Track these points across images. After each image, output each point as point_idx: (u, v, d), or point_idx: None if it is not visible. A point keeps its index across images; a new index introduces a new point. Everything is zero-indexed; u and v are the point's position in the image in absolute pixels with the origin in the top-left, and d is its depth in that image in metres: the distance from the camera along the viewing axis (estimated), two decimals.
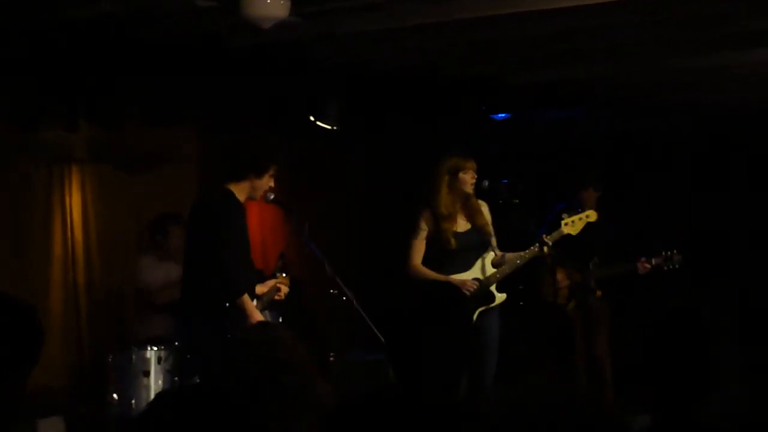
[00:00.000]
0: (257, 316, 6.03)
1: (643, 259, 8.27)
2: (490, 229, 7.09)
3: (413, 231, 7.02)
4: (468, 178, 6.95)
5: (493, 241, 7.09)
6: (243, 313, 5.97)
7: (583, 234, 7.23)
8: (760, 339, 8.46)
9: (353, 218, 9.80)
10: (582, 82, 9.08)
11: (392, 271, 7.13)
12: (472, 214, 7.03)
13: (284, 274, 6.33)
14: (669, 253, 8.31)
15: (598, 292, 8.35)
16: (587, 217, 7.17)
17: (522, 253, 6.99)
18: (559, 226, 7.22)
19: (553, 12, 6.39)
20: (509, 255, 7.03)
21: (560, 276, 8.18)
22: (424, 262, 7.00)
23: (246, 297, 6.02)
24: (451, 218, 6.96)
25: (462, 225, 7.01)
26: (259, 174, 6.15)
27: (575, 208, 8.04)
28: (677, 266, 8.31)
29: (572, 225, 7.15)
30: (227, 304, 5.95)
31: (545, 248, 6.91)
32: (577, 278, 8.34)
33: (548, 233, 7.13)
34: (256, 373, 3.31)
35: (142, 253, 7.88)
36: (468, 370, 6.76)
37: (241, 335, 3.92)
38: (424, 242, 7.00)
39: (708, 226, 10.26)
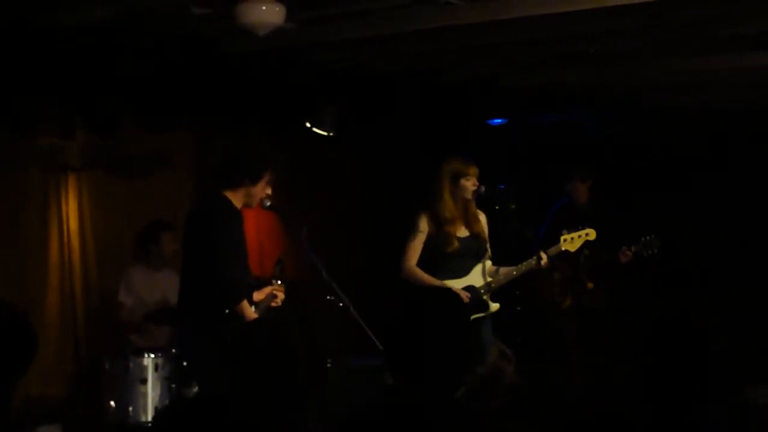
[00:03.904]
0: None
1: (624, 247, 8.21)
2: (487, 238, 7.09)
3: (411, 232, 7.00)
4: (469, 185, 6.94)
5: (489, 251, 7.09)
6: (242, 319, 5.96)
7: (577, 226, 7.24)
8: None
9: (351, 223, 9.79)
10: (579, 86, 9.09)
11: (390, 276, 7.11)
12: (471, 222, 7.03)
13: (279, 282, 6.31)
14: (647, 238, 8.21)
15: (589, 284, 8.31)
16: (587, 235, 7.19)
17: (519, 266, 6.99)
18: (557, 228, 7.24)
19: (549, 17, 6.39)
20: (504, 269, 7.04)
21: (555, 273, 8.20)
22: (420, 265, 6.99)
23: (245, 303, 6.01)
24: (454, 222, 6.95)
25: (462, 231, 7.01)
26: (254, 181, 6.15)
27: (572, 209, 8.05)
28: (656, 251, 8.22)
29: (570, 242, 7.17)
30: (226, 311, 5.93)
31: (542, 262, 6.91)
32: (569, 272, 8.30)
33: (545, 238, 7.12)
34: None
35: (132, 264, 7.85)
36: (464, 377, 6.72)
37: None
38: (421, 244, 6.98)
39: (699, 226, 10.28)
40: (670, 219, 10.00)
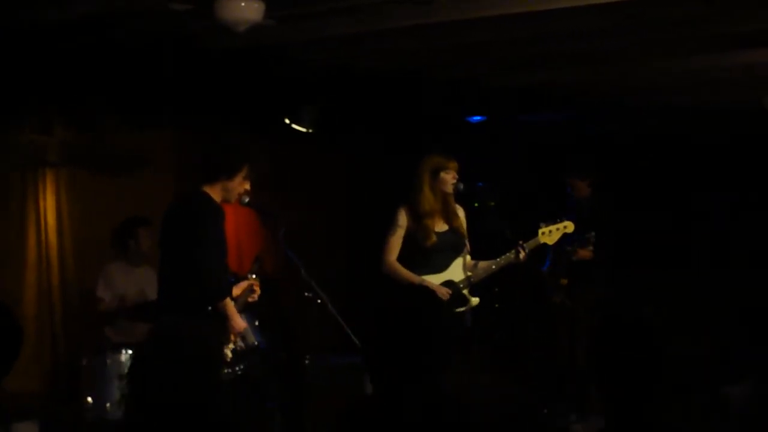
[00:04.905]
0: (238, 320, 6.01)
1: (574, 244, 8.14)
2: (465, 233, 7.11)
3: (390, 227, 7.02)
4: (449, 179, 6.97)
5: (467, 245, 7.12)
6: (224, 316, 5.95)
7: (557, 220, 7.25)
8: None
9: (334, 220, 9.79)
10: (562, 85, 9.11)
11: (373, 274, 7.12)
12: (450, 216, 7.05)
13: (254, 276, 6.31)
14: (586, 235, 8.10)
15: (563, 281, 8.33)
16: (564, 228, 7.20)
17: (497, 260, 7.01)
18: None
19: (533, 15, 6.40)
20: (482, 263, 7.06)
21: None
22: (400, 260, 7.01)
23: (228, 300, 5.99)
24: (433, 216, 6.97)
25: (440, 225, 7.03)
26: (231, 175, 6.10)
27: (574, 204, 8.09)
28: (591, 248, 8.12)
29: (548, 235, 7.18)
30: (209, 308, 5.91)
31: (521, 256, 6.93)
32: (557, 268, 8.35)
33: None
34: None
35: (111, 260, 7.81)
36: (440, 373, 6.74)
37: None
38: (400, 239, 7.00)
39: (699, 226, 10.32)
40: (669, 219, 10.06)
